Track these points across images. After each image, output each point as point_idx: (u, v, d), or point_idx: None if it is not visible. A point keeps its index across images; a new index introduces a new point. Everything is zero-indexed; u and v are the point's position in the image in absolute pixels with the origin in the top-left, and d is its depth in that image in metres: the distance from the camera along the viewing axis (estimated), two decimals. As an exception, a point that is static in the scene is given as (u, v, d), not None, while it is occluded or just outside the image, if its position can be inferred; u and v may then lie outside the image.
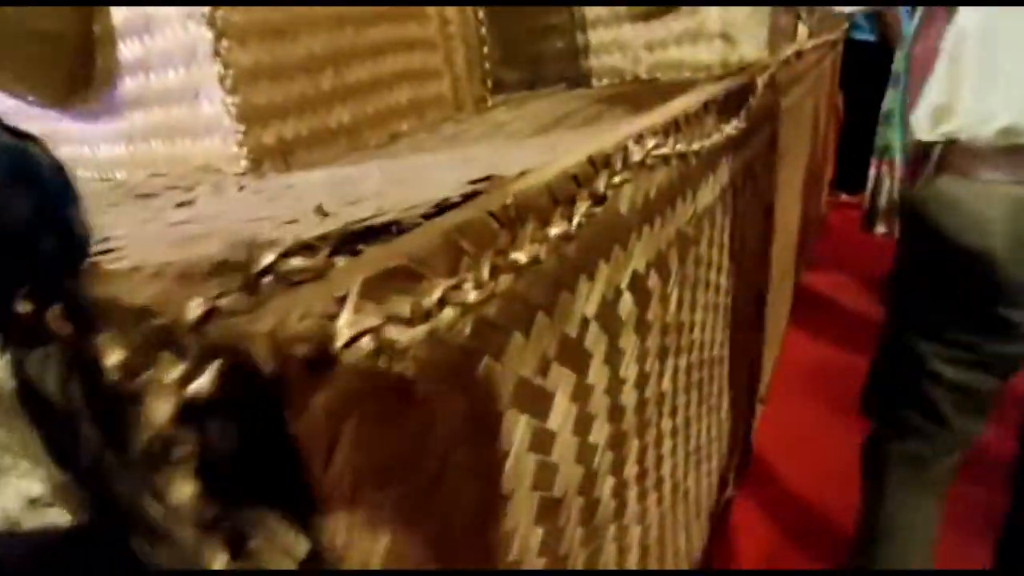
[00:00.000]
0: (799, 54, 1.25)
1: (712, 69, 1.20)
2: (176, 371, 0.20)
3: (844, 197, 3.21)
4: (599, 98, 1.09)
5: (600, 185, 0.45)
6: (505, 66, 1.46)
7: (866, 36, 2.69)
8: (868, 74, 2.60)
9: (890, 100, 1.85)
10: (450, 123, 1.06)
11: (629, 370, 0.63)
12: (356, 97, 0.92)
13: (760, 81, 0.94)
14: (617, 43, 1.28)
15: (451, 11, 1.12)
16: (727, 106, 0.78)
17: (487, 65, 1.19)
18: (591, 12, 1.28)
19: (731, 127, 0.75)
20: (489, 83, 1.20)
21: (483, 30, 1.17)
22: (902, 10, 2.50)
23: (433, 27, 1.07)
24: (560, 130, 0.85)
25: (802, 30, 1.34)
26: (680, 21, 1.19)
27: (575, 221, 0.41)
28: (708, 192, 0.85)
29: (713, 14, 1.15)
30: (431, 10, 1.07)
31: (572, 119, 0.92)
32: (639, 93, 1.00)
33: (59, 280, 0.24)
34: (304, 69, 0.82)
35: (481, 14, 1.17)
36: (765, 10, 1.11)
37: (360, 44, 0.91)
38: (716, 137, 0.71)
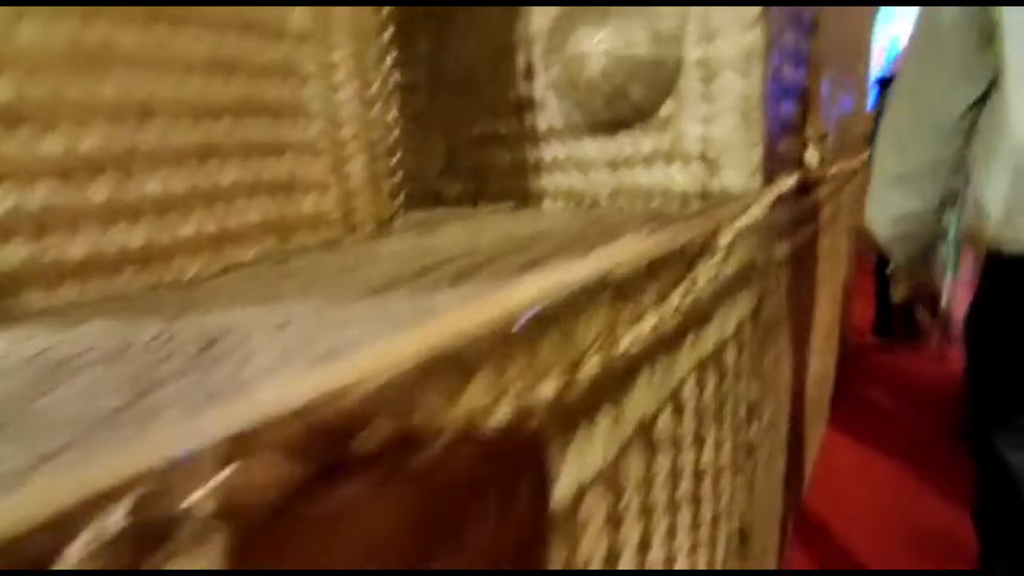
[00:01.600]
0: (806, 187, 0.98)
1: (689, 199, 0.92)
2: None
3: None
4: (532, 235, 0.81)
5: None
6: (448, 177, 1.22)
7: None
8: None
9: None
10: (316, 252, 0.77)
11: None
12: (166, 212, 0.65)
13: (728, 232, 0.65)
14: (574, 160, 1.02)
15: (349, 111, 0.87)
16: (679, 265, 0.49)
17: (397, 177, 0.93)
18: (545, 121, 1.04)
19: (675, 301, 0.45)
20: (400, 199, 0.93)
21: (395, 134, 0.92)
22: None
23: (315, 129, 0.82)
24: (438, 283, 0.55)
25: (811, 155, 1.08)
26: (651, 137, 0.93)
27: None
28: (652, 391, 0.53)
29: (692, 130, 0.90)
30: (316, 108, 0.82)
31: (474, 263, 0.63)
32: (587, 230, 0.71)
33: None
34: (61, 169, 0.55)
35: (395, 114, 0.92)
36: (758, 130, 0.85)
37: (183, 142, 0.65)
38: (647, 324, 0.41)
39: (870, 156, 2.58)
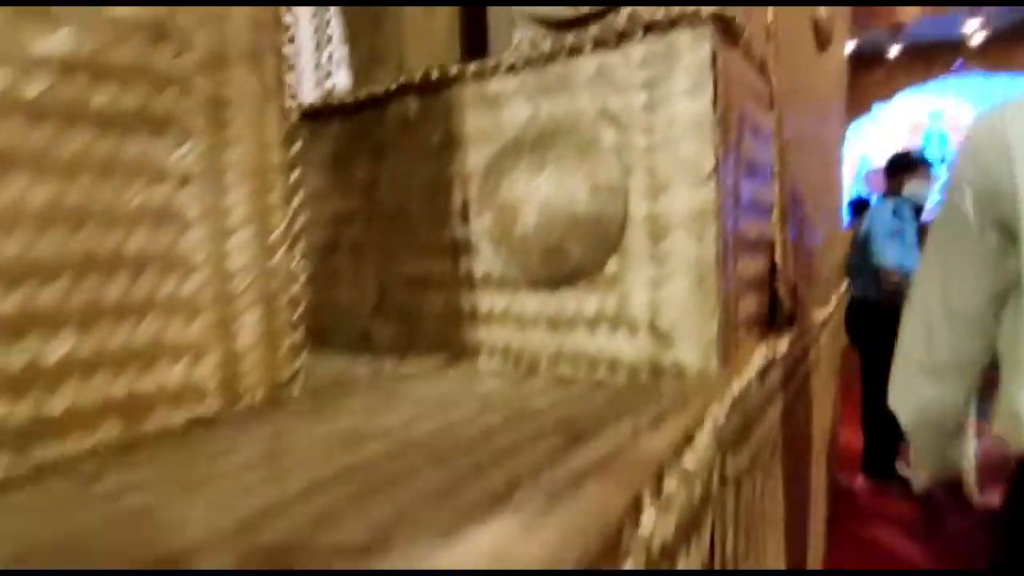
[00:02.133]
0: (767, 368, 0.84)
1: (637, 371, 0.79)
2: None
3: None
4: (425, 441, 0.66)
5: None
6: (380, 317, 1.09)
7: (866, 295, 2.43)
8: (877, 333, 2.28)
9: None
10: (174, 439, 0.61)
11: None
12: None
13: (700, 440, 0.51)
14: (512, 315, 0.90)
15: (243, 260, 0.75)
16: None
17: (299, 333, 0.79)
18: (481, 268, 0.92)
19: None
20: (298, 363, 0.78)
21: (297, 285, 0.79)
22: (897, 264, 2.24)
23: (195, 282, 0.69)
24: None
25: (779, 330, 0.96)
26: (595, 298, 0.81)
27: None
28: None
29: (639, 295, 0.77)
30: (200, 258, 0.69)
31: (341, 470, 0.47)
32: (495, 435, 0.56)
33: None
34: None
35: (300, 262, 0.80)
36: (713, 297, 0.73)
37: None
38: None
39: (848, 285, 2.53)
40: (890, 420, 2.44)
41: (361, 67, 1.24)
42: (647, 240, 0.77)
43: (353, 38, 1.24)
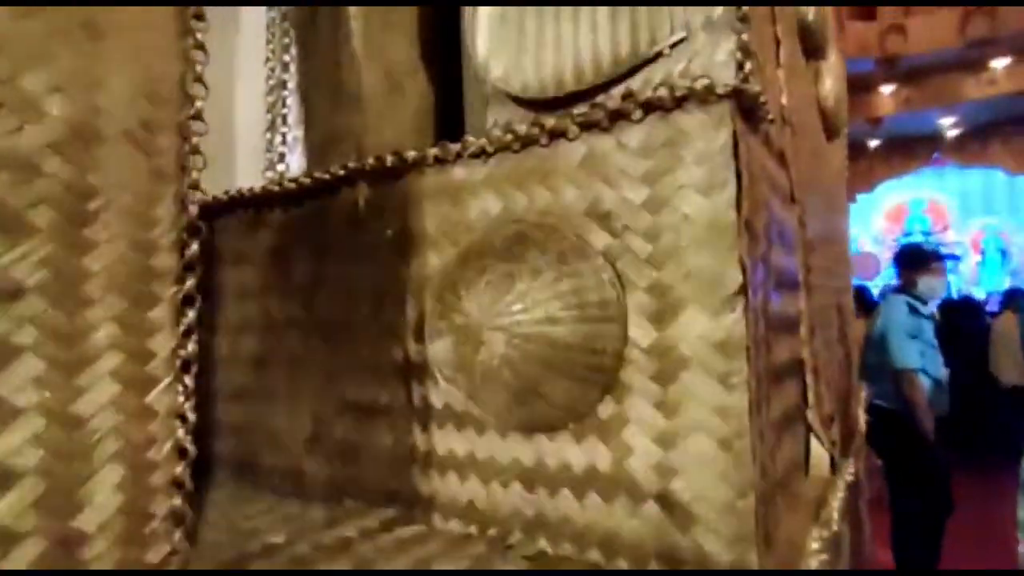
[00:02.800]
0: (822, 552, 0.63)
1: (644, 557, 0.57)
2: None
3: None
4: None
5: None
6: (315, 452, 0.87)
7: (887, 403, 2.22)
8: (903, 445, 2.09)
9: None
10: None
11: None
12: None
13: None
14: (476, 463, 0.68)
15: (100, 399, 0.54)
16: None
17: (177, 502, 0.58)
18: (439, 398, 0.72)
19: None
20: (176, 540, 0.56)
21: (183, 431, 0.59)
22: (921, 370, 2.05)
23: (25, 431, 0.48)
24: None
25: (820, 461, 0.75)
26: (583, 448, 0.60)
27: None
28: None
29: (643, 451, 0.57)
30: (32, 399, 0.49)
31: None
32: None
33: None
34: None
35: (188, 400, 0.60)
36: (747, 460, 0.53)
37: None
38: None
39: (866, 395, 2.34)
40: (923, 542, 2.16)
41: (316, 151, 1.09)
42: (652, 380, 0.57)
43: (310, 118, 1.10)
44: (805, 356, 0.80)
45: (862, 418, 1.61)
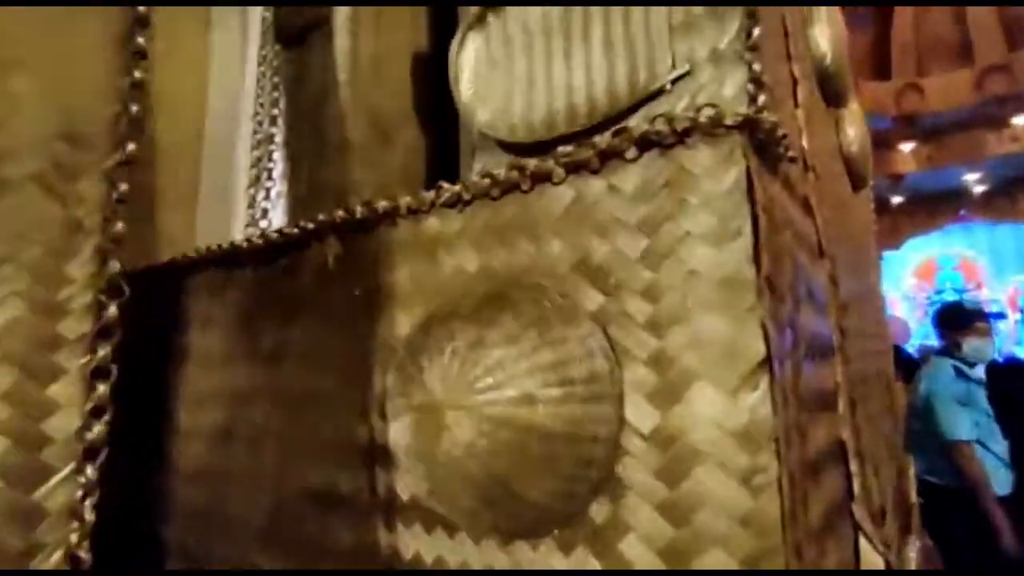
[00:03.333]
0: None
1: None
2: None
3: None
4: None
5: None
6: (269, 546, 0.74)
7: (939, 479, 1.99)
8: (957, 525, 1.86)
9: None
10: None
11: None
12: None
13: None
14: (450, 570, 0.56)
15: None
16: None
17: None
18: (405, 489, 0.60)
19: None
20: None
21: (78, 533, 0.48)
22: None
23: None
24: None
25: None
26: (572, 560, 0.48)
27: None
28: None
29: (647, 561, 0.45)
30: None
31: None
32: None
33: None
34: None
35: (91, 497, 0.49)
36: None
37: None
38: None
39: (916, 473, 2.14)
40: None
41: (300, 206, 1.02)
42: (656, 477, 0.45)
43: (294, 172, 1.04)
44: (846, 438, 0.67)
45: (914, 497, 1.43)
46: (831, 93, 1.08)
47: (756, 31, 0.58)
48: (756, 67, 0.57)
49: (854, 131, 1.22)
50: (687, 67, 0.62)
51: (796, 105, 0.78)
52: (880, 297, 1.59)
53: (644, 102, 0.65)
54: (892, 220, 10.51)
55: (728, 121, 0.46)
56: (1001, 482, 1.89)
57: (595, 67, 0.69)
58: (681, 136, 0.49)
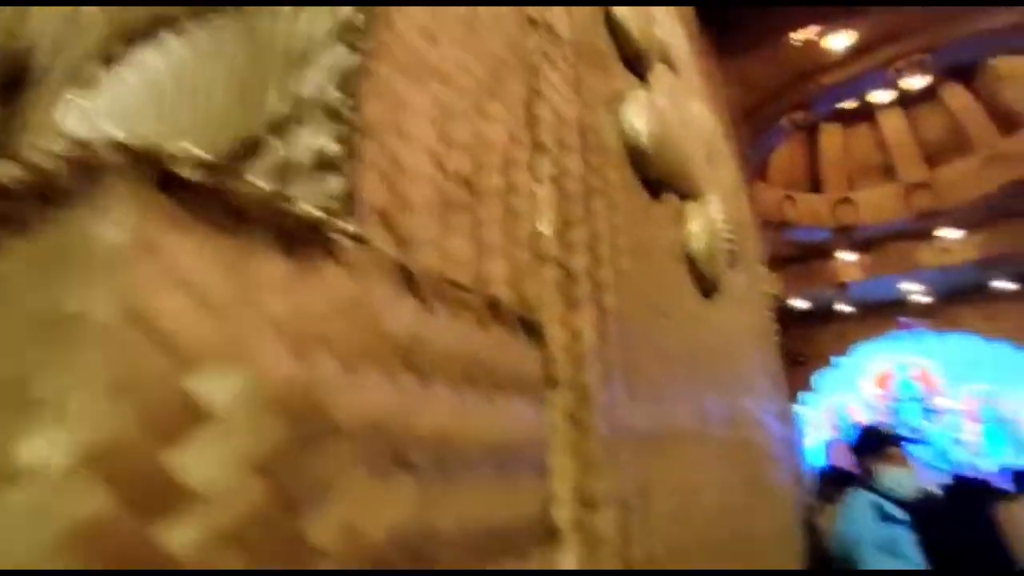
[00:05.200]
0: None
1: None
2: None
3: None
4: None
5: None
6: None
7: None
8: None
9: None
10: None
11: None
12: None
13: None
14: None
15: None
16: None
17: None
18: None
19: None
20: None
21: None
22: None
23: None
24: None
25: None
26: None
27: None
28: None
29: None
30: None
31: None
32: None
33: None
34: None
35: None
36: None
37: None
38: None
39: None
40: None
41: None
42: None
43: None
44: None
45: None
46: (653, 177, 0.92)
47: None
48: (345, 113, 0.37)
49: (700, 227, 1.06)
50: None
51: (534, 178, 0.59)
52: (763, 418, 1.36)
53: (250, 150, 0.44)
54: (840, 327, 10.62)
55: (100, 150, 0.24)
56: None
57: (214, 103, 0.49)
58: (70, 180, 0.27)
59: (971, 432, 10.76)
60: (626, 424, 0.65)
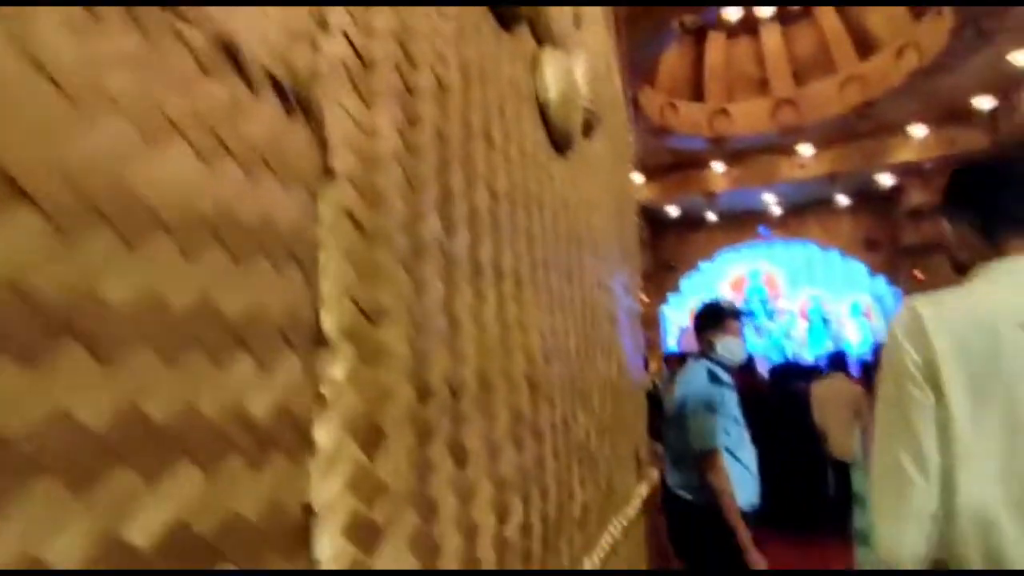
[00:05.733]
0: None
1: None
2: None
3: None
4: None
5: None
6: None
7: (689, 494, 1.86)
8: (705, 539, 1.74)
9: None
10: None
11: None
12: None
13: None
14: None
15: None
16: None
17: None
18: None
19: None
20: None
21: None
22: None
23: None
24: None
25: None
26: None
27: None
28: None
29: None
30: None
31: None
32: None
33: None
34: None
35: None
36: None
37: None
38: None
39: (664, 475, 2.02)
40: None
41: None
42: None
43: None
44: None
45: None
46: (504, 5, 0.82)
47: None
48: None
49: (554, 75, 0.99)
50: None
51: None
52: (613, 285, 1.41)
53: None
54: (708, 234, 11.50)
55: None
56: (748, 494, 1.80)
57: None
58: None
59: (800, 328, 12.46)
60: (437, 245, 0.59)
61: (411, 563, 0.48)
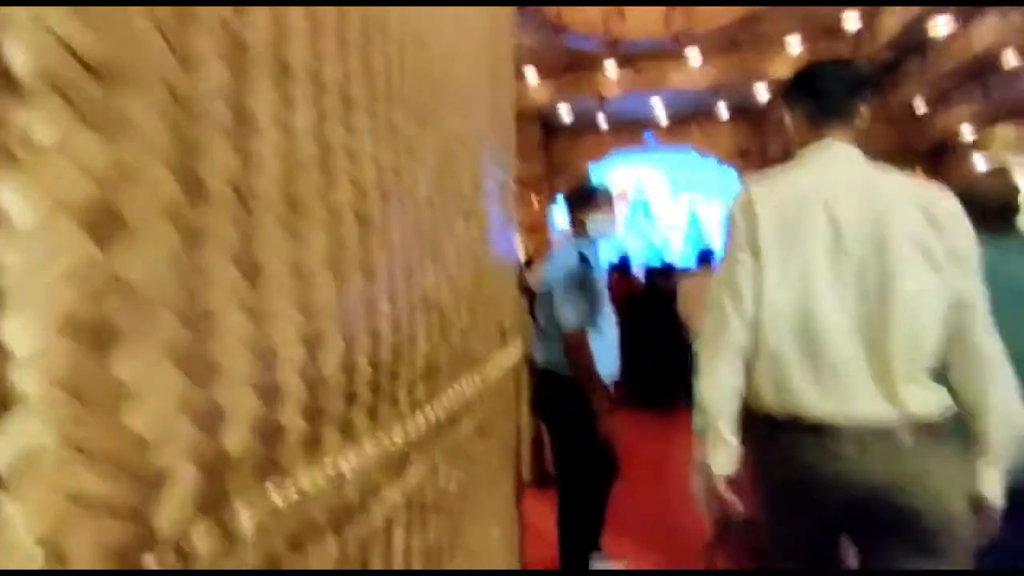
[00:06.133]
0: None
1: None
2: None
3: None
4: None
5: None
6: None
7: (556, 368, 1.91)
8: (564, 409, 1.84)
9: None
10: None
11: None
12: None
13: None
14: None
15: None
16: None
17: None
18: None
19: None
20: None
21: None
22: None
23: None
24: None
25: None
26: None
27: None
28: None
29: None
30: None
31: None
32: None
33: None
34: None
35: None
36: None
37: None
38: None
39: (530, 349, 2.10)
40: (585, 513, 1.95)
41: None
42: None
43: None
44: None
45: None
46: None
47: None
48: None
49: None
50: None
51: None
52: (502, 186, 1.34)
53: None
54: (598, 138, 11.64)
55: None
56: (608, 366, 1.91)
57: None
58: None
59: (677, 231, 13.32)
60: (217, 18, 0.48)
61: (171, 373, 0.41)
